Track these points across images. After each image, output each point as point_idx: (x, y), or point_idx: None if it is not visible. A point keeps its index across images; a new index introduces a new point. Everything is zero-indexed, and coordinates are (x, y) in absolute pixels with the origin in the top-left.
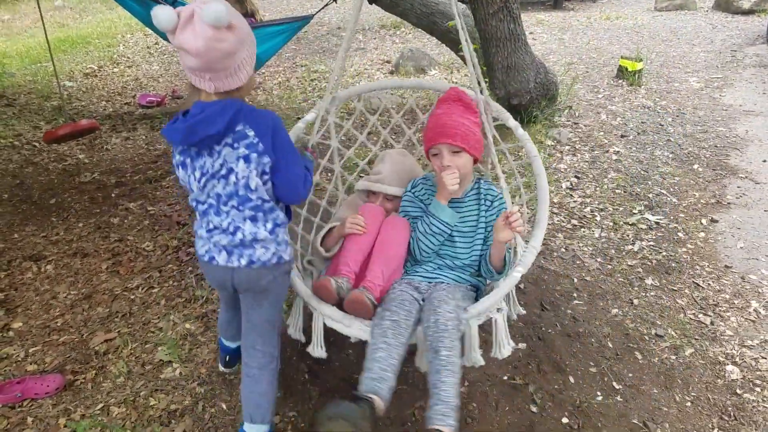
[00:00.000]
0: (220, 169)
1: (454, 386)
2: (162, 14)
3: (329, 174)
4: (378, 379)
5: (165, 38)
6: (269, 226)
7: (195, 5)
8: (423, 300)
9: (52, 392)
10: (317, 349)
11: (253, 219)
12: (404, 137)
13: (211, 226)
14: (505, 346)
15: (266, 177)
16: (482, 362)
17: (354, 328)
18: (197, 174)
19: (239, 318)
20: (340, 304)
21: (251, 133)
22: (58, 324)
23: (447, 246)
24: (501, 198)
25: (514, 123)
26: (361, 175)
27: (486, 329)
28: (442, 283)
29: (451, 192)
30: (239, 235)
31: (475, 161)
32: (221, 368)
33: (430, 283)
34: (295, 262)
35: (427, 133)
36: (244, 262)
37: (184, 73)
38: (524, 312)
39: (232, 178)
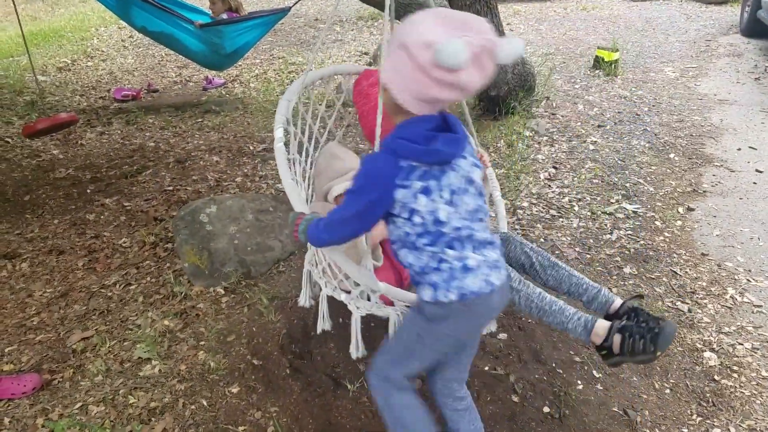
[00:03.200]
0: (461, 182)
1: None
2: (452, 49)
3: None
4: None
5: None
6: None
7: (492, 40)
8: None
9: (29, 392)
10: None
11: (486, 228)
12: None
13: (476, 244)
14: None
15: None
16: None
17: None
18: (446, 194)
19: None
20: None
21: (467, 140)
22: (34, 322)
23: None
24: None
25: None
26: None
27: None
28: None
29: None
30: (495, 248)
31: None
32: None
33: None
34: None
35: None
36: (503, 281)
37: (159, 67)
38: None
39: (472, 189)
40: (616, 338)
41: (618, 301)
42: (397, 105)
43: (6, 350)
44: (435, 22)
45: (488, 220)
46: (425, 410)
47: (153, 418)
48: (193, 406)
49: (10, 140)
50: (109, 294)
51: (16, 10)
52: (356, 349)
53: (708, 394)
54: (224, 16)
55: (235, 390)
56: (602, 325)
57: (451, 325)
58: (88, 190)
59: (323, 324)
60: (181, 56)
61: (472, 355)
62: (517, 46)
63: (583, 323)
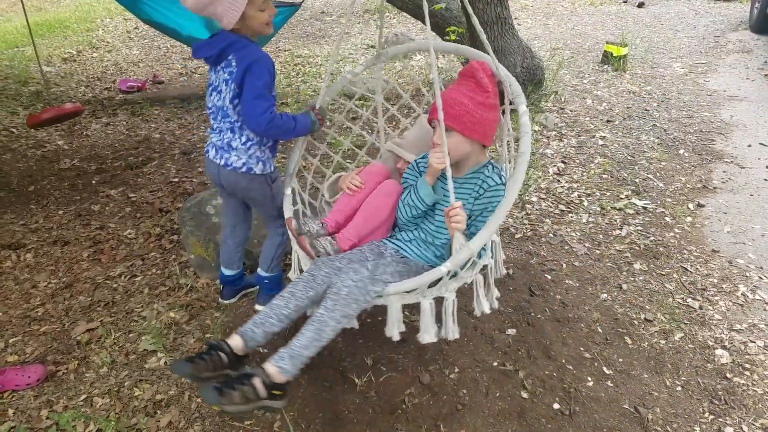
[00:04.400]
0: (217, 85)
1: (311, 341)
2: None
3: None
4: (258, 324)
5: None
6: (243, 139)
7: None
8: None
9: (33, 383)
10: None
11: (232, 130)
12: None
13: (213, 127)
14: (449, 332)
15: (236, 101)
16: (433, 339)
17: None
18: (207, 85)
19: (238, 239)
20: None
21: (234, 63)
22: (39, 313)
23: (428, 221)
24: (498, 188)
25: (523, 109)
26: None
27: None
28: (403, 256)
29: (437, 170)
30: (224, 137)
31: (484, 144)
32: (221, 300)
33: (396, 251)
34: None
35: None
36: (222, 162)
37: (165, 59)
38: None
39: (222, 94)
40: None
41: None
42: None
43: (10, 341)
44: None
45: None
46: None
47: (158, 411)
48: (199, 399)
49: (15, 130)
50: (114, 285)
51: (22, 1)
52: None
53: (720, 392)
54: None
55: None
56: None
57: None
58: (93, 181)
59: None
60: (186, 48)
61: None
62: None
63: (240, 332)
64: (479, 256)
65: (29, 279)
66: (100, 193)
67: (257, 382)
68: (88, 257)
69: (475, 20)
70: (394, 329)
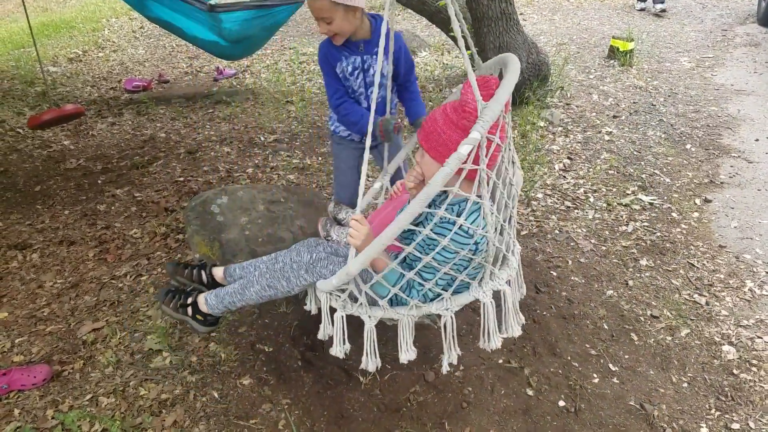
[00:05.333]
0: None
1: (235, 292)
2: None
3: None
4: (242, 268)
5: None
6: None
7: None
8: None
9: (39, 383)
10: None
11: None
12: None
13: None
14: (405, 352)
15: None
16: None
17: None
18: None
19: None
20: None
21: None
22: (45, 313)
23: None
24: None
25: (474, 136)
26: None
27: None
28: None
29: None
30: None
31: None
32: None
33: None
34: None
35: None
36: None
37: (170, 58)
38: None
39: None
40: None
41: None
42: None
43: (16, 341)
44: None
45: None
46: None
47: (164, 410)
48: (204, 398)
49: (21, 131)
50: (120, 285)
51: (23, 1)
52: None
53: (726, 388)
54: None
55: (246, 382)
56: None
57: None
58: (99, 181)
59: (327, 330)
60: (191, 46)
61: None
62: None
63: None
64: (398, 300)
65: (35, 279)
66: (106, 193)
67: (190, 301)
68: (94, 257)
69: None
70: (325, 330)
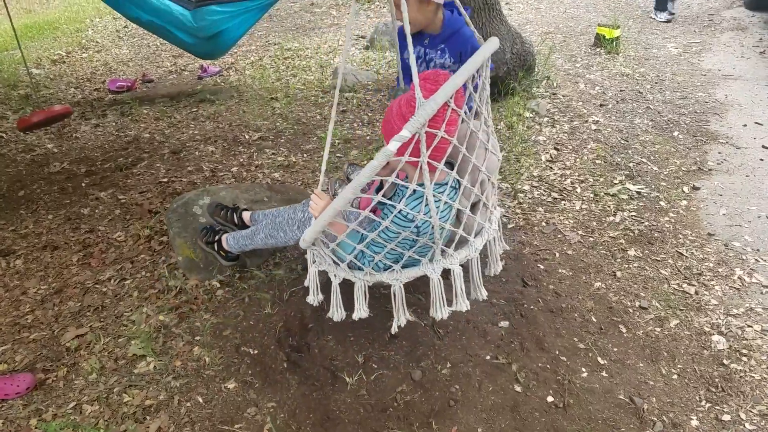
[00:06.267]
0: None
1: (247, 237)
2: None
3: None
4: (265, 215)
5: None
6: None
7: None
8: None
9: (22, 392)
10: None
11: None
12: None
13: None
14: (357, 311)
15: None
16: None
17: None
18: None
19: None
20: None
21: None
22: (29, 320)
23: None
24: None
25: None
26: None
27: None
28: None
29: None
30: None
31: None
32: None
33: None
34: None
35: None
36: None
37: (154, 57)
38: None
39: None
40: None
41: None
42: None
43: (0, 350)
44: None
45: None
46: None
47: (148, 417)
48: (188, 404)
49: (4, 135)
50: (104, 289)
51: (5, 3)
52: (359, 311)
53: (717, 379)
54: None
55: (231, 386)
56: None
57: None
58: (83, 184)
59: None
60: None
61: None
62: None
63: None
64: (354, 265)
65: (19, 285)
66: (90, 196)
67: (216, 239)
68: (78, 261)
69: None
70: (311, 291)
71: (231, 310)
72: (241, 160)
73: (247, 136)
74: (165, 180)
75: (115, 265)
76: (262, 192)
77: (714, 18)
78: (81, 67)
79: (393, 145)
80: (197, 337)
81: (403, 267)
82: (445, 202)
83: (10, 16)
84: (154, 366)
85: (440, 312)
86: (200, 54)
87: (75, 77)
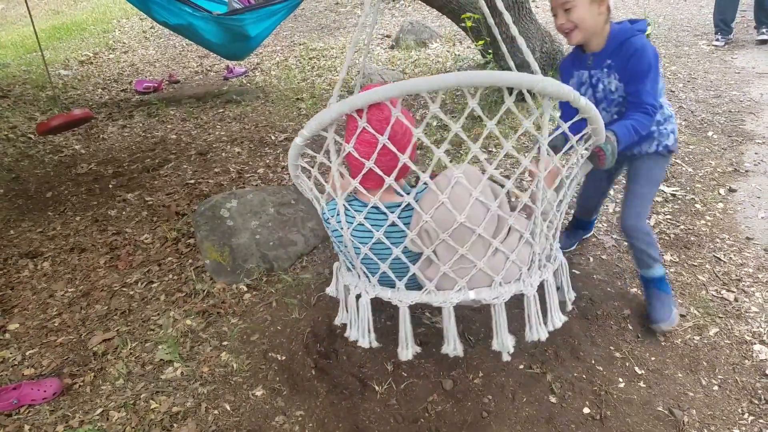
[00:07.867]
0: None
1: None
2: None
3: None
4: None
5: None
6: None
7: None
8: None
9: (49, 397)
10: None
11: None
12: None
13: None
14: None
15: None
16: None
17: None
18: None
19: None
20: None
21: None
22: (56, 324)
23: None
24: None
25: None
26: None
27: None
28: None
29: None
30: None
31: None
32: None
33: None
34: None
35: None
36: None
37: (180, 57)
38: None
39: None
40: None
41: None
42: None
43: (27, 353)
44: None
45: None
46: None
47: (175, 424)
48: (216, 411)
49: (32, 136)
50: (131, 293)
51: (27, 6)
52: (404, 348)
53: (760, 391)
54: (235, 4)
55: (258, 393)
56: None
57: None
58: (110, 186)
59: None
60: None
61: None
62: None
63: None
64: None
65: (47, 288)
66: (117, 198)
67: None
68: (105, 264)
69: (498, 3)
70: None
71: (258, 315)
72: (268, 161)
73: (273, 137)
74: (192, 181)
75: (142, 268)
76: (289, 195)
77: (747, 14)
78: (108, 68)
79: (299, 139)
80: (225, 342)
81: (381, 284)
82: (362, 223)
83: (32, 22)
84: (182, 372)
85: (405, 354)
86: (226, 55)
87: (102, 78)
